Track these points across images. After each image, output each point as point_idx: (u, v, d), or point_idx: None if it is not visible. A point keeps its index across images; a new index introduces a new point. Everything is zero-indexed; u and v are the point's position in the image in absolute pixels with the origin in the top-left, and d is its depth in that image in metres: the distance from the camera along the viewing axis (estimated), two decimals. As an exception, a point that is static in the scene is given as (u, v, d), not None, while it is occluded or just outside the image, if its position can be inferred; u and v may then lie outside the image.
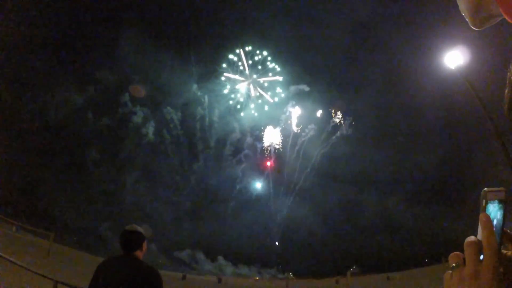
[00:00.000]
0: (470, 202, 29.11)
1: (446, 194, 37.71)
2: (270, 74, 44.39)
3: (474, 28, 0.82)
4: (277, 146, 45.27)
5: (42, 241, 20.18)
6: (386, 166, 42.17)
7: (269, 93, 44.72)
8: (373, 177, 43.00)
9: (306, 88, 44.71)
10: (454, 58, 12.35)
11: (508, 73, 0.73)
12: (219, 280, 28.37)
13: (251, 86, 44.52)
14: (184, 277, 26.16)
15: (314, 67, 46.61)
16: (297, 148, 44.94)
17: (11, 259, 5.74)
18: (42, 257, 16.36)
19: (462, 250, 0.67)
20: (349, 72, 45.75)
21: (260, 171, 45.84)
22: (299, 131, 44.80)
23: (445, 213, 35.90)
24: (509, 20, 0.70)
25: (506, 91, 0.73)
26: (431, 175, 39.75)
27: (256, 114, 45.23)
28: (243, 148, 45.62)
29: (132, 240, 2.93)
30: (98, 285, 2.68)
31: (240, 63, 44.11)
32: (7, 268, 6.98)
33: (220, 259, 38.93)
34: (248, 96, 44.72)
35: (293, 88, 44.94)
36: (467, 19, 0.82)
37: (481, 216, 0.65)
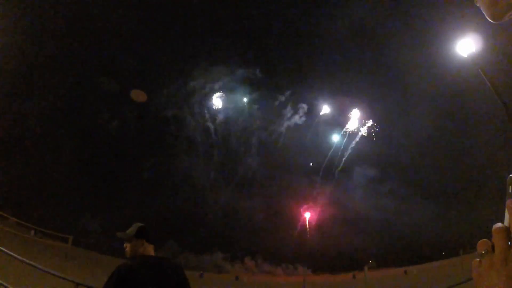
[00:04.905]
0: (487, 193, 28.54)
1: (462, 185, 37.02)
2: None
3: (492, 21, 0.77)
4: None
5: (60, 244, 20.69)
6: (402, 160, 41.17)
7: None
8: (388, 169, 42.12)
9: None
10: (465, 46, 12.11)
11: None
12: (237, 278, 28.85)
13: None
14: (201, 275, 26.59)
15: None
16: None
17: (31, 262, 5.85)
18: (61, 260, 16.79)
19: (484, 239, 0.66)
20: (346, 62, 43.84)
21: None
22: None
23: (462, 205, 35.27)
24: None
25: None
26: (444, 168, 39.02)
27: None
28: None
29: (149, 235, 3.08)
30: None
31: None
32: (26, 272, 7.17)
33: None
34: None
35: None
36: (484, 12, 0.77)
37: (508, 202, 0.64)
